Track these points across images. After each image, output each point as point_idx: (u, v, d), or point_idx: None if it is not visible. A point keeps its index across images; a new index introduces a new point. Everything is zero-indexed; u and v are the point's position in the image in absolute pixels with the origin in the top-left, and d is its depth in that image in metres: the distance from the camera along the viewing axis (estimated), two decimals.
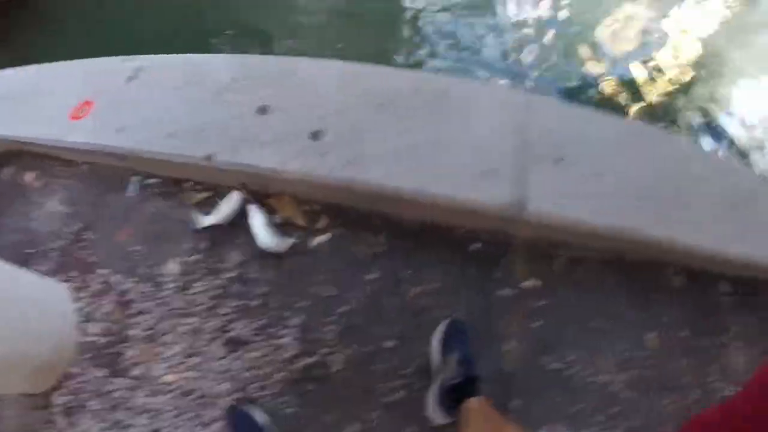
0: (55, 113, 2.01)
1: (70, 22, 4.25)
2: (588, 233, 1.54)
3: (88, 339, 1.66)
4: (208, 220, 1.67)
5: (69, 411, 1.59)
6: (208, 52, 2.03)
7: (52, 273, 1.78)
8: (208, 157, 1.61)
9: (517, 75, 4.09)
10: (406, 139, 1.60)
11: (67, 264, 1.82)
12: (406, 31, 4.44)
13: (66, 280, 1.76)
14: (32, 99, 2.17)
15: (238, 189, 1.68)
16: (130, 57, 2.10)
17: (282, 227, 1.64)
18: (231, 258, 1.64)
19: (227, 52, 2.06)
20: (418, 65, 3.99)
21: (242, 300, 1.56)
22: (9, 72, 2.44)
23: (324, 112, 1.65)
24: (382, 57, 3.94)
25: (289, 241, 1.60)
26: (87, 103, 1.98)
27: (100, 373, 1.61)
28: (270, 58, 1.93)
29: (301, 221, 1.62)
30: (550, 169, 1.58)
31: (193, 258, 1.65)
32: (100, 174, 1.94)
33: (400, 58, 4.06)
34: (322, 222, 1.65)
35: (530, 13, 4.92)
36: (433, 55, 4.15)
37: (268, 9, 4.94)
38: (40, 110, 2.09)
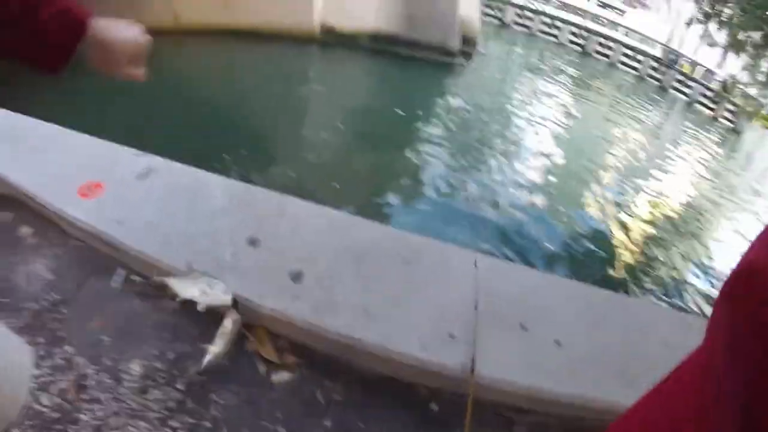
0: (65, 182, 2.16)
1: (99, 94, 4.48)
2: (550, 401, 1.65)
3: (38, 408, 1.73)
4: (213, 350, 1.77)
5: None
6: (217, 163, 2.23)
7: (18, 331, 1.87)
8: (190, 269, 1.76)
9: (496, 238, 4.41)
10: (378, 293, 1.76)
11: (36, 328, 1.92)
12: (397, 183, 4.83)
13: (30, 344, 1.85)
14: (48, 157, 2.32)
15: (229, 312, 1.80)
16: (144, 154, 2.30)
17: (251, 356, 1.75)
18: (193, 374, 1.75)
19: (233, 169, 2.24)
20: (401, 218, 4.28)
21: (195, 419, 1.66)
22: (33, 121, 2.61)
23: (306, 255, 1.83)
24: (369, 205, 4.23)
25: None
26: (97, 185, 2.15)
27: None
28: (267, 193, 2.13)
29: (269, 355, 1.75)
30: (514, 335, 1.73)
31: (157, 364, 1.76)
32: (90, 255, 2.08)
33: (384, 209, 4.36)
34: (289, 359, 1.78)
35: (519, 177, 5.50)
36: (415, 210, 4.52)
37: (278, 139, 5.37)
38: (52, 172, 2.24)
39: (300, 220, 1.91)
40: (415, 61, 8.21)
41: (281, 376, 1.73)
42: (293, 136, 5.75)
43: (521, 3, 21.64)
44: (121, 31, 0.91)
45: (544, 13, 21.88)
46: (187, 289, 1.81)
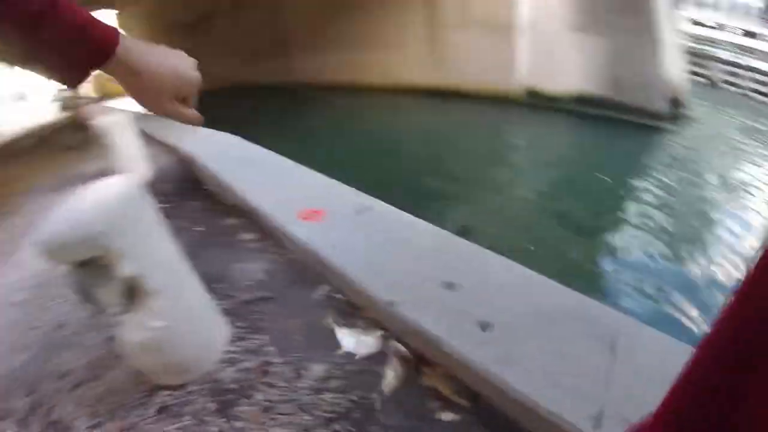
0: (289, 204, 2.52)
1: (322, 131, 5.17)
2: None
3: (220, 376, 1.96)
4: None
5: (162, 409, 1.89)
6: (423, 210, 2.44)
7: (224, 312, 2.16)
8: (391, 303, 1.91)
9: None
10: (565, 361, 1.70)
11: (239, 315, 2.21)
12: (595, 248, 4.55)
13: (231, 326, 2.14)
14: (275, 182, 2.73)
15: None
16: (362, 194, 2.61)
17: (424, 389, 1.82)
18: (366, 390, 1.84)
19: (436, 216, 2.43)
20: (599, 287, 4.03)
21: (357, 429, 1.72)
22: (264, 150, 3.14)
23: (498, 307, 1.87)
24: (565, 270, 4.04)
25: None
26: (318, 212, 2.47)
27: (210, 404, 1.87)
28: (467, 243, 2.24)
29: (445, 391, 1.78)
30: None
31: (337, 372, 1.89)
32: (301, 268, 2.39)
33: (581, 277, 4.13)
34: (461, 401, 1.78)
35: None
36: (616, 284, 4.12)
37: (479, 193, 5.57)
38: (279, 195, 2.63)
39: (495, 274, 1.99)
40: (620, 124, 7.87)
41: (450, 416, 1.74)
42: (493, 191, 5.87)
43: (729, 58, 18.74)
44: (160, 61, 0.81)
45: (757, 70, 18.36)
46: (344, 338, 2.00)
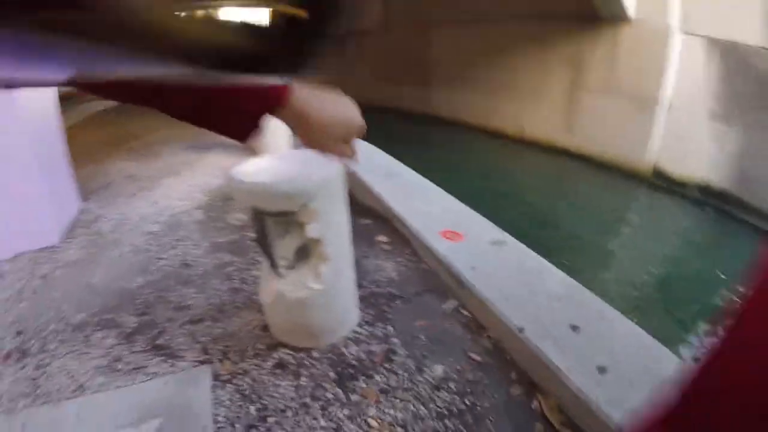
0: (429, 220, 2.72)
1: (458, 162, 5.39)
2: None
3: (342, 351, 2.16)
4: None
5: (279, 365, 2.08)
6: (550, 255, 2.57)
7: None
8: (521, 329, 2.06)
9: None
10: None
11: (370, 304, 2.43)
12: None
13: (362, 311, 2.36)
14: (414, 197, 2.94)
15: None
16: (498, 228, 2.79)
17: (534, 414, 1.90)
18: (480, 400, 1.94)
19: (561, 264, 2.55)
20: None
21: (467, 429, 1.84)
22: (405, 168, 3.39)
23: (615, 356, 1.95)
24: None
25: None
26: (459, 234, 2.66)
27: (330, 373, 2.04)
28: (591, 294, 2.31)
29: (554, 420, 1.89)
30: None
31: (455, 377, 2.02)
32: (434, 280, 2.59)
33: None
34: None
35: None
36: None
37: (594, 253, 5.65)
38: (419, 209, 2.83)
39: (615, 329, 2.07)
40: (739, 222, 7.53)
41: None
42: (599, 259, 5.94)
43: None
44: (329, 109, 0.85)
45: None
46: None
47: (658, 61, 8.38)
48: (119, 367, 2.13)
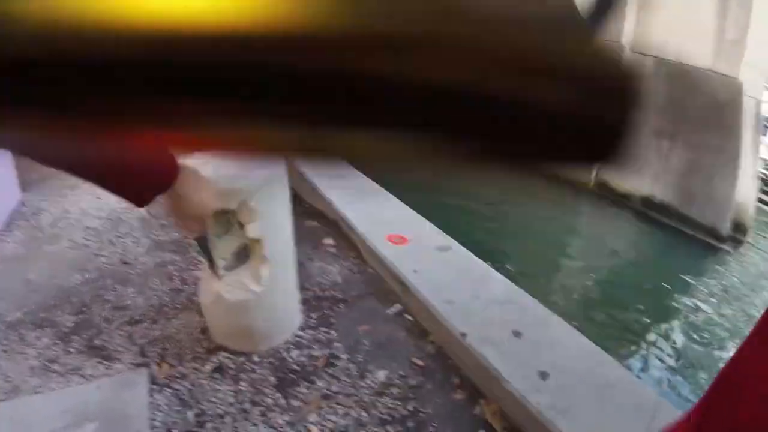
0: (373, 221, 2.71)
1: None
2: None
3: (283, 356, 2.11)
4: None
5: (218, 369, 2.04)
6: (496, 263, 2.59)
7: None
8: (464, 335, 2.06)
9: None
10: (609, 419, 1.81)
11: (312, 307, 2.39)
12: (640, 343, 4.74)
13: (303, 313, 2.31)
14: (364, 201, 2.92)
15: None
16: (446, 235, 2.79)
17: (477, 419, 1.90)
18: (420, 407, 1.95)
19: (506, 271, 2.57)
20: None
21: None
22: (356, 172, 3.36)
23: (557, 364, 1.94)
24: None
25: None
26: (404, 238, 2.65)
27: (270, 377, 2.00)
28: (535, 302, 2.32)
29: (495, 424, 1.88)
30: None
31: (398, 383, 2.01)
32: (378, 283, 2.57)
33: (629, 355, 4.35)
34: None
35: None
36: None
37: (537, 262, 5.78)
38: (363, 213, 2.82)
39: (557, 335, 2.10)
40: (680, 235, 7.80)
41: None
42: (549, 268, 6.02)
43: None
44: (197, 190, 0.94)
45: None
46: None
47: None
48: (55, 368, 2.05)
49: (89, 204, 3.69)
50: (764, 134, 8.98)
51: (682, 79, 8.21)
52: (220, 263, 1.93)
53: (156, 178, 0.85)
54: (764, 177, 9.58)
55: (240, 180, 1.77)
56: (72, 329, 2.29)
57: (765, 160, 9.22)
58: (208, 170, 1.83)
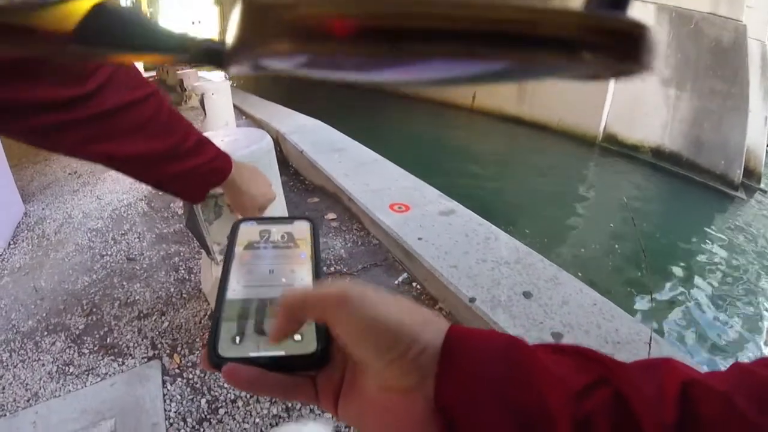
0: (374, 192, 2.62)
1: None
2: None
3: None
4: None
5: None
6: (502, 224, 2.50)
7: None
8: (473, 299, 1.98)
9: None
10: None
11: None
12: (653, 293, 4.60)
13: None
14: (366, 173, 2.83)
15: None
16: (450, 199, 2.70)
17: None
18: None
19: (514, 232, 2.48)
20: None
21: None
22: (349, 140, 3.26)
23: (568, 322, 1.88)
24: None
25: None
26: (406, 206, 2.56)
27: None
28: (545, 260, 2.26)
29: None
30: None
31: None
32: (382, 254, 2.47)
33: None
34: None
35: None
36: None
37: (546, 220, 5.64)
38: (363, 184, 2.73)
39: (568, 292, 2.05)
40: (692, 183, 7.60)
41: None
42: (550, 224, 5.87)
43: None
44: (256, 184, 1.04)
45: None
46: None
47: None
48: (71, 370, 2.04)
49: (91, 206, 3.68)
50: None
51: (684, 25, 7.98)
52: (215, 248, 1.87)
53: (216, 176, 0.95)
54: None
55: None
56: (83, 330, 2.28)
57: None
58: None
